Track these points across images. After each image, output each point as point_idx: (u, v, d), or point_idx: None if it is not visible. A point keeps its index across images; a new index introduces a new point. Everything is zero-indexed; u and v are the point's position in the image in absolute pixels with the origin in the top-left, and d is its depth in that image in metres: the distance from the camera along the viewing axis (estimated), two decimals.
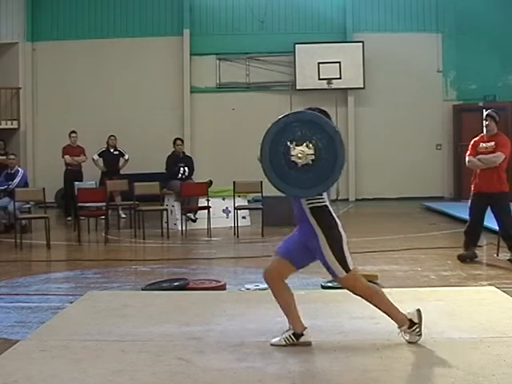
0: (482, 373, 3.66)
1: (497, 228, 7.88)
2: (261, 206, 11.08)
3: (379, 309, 4.32)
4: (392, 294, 5.69)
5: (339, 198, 16.84)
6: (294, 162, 3.96)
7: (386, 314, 4.31)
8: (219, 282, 6.35)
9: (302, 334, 4.23)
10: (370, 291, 4.32)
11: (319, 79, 16.37)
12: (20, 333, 4.81)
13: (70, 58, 16.74)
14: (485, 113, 7.77)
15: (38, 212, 12.14)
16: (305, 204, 4.20)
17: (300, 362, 3.91)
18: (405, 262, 7.77)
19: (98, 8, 16.98)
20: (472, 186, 7.77)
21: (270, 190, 12.09)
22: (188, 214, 11.26)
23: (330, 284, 6.24)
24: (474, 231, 7.76)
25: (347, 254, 4.25)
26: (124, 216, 12.97)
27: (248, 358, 3.99)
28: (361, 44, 16.45)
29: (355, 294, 4.33)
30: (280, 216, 11.26)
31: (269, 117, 16.43)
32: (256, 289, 6.20)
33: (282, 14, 17.04)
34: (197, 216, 11.33)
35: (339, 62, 16.32)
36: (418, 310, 4.27)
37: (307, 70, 16.33)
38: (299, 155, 3.95)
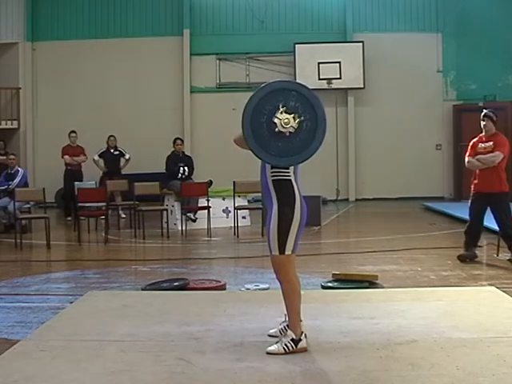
0: (482, 373, 3.66)
1: (497, 228, 7.89)
2: (261, 206, 11.07)
3: (286, 308, 4.20)
4: (392, 294, 5.73)
5: (339, 198, 16.88)
6: (275, 124, 3.92)
7: (288, 316, 4.19)
8: (219, 281, 6.35)
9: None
10: (292, 288, 4.18)
11: (319, 79, 16.37)
12: (20, 333, 4.81)
13: (70, 57, 16.74)
14: (482, 113, 7.78)
15: (38, 212, 12.14)
16: (269, 175, 4.16)
17: (300, 362, 3.91)
18: (405, 262, 7.77)
19: (97, 8, 16.98)
20: (472, 187, 7.78)
21: None
22: (188, 214, 11.26)
23: (330, 284, 6.25)
24: (474, 231, 7.77)
25: (291, 237, 4.13)
26: (124, 216, 12.97)
27: (248, 358, 3.99)
28: (361, 44, 16.46)
29: (278, 280, 4.23)
30: None
31: None
32: (256, 289, 6.20)
33: (282, 14, 17.05)
34: (197, 216, 11.33)
35: (339, 62, 16.33)
36: (306, 349, 4.10)
37: (307, 70, 16.33)
38: (285, 121, 3.92)
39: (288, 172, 4.16)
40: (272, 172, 4.15)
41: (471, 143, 7.81)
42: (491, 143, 7.56)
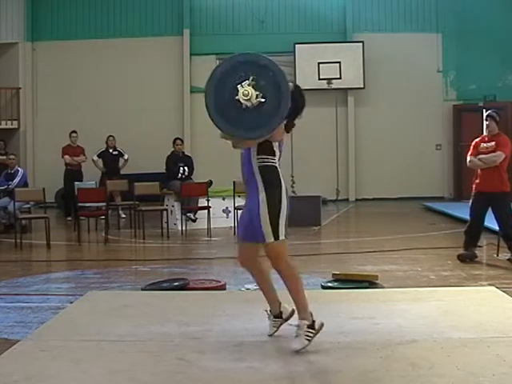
0: (482, 373, 3.66)
1: (497, 228, 7.89)
2: None
3: (291, 294, 4.18)
4: (392, 294, 5.73)
5: (339, 198, 16.88)
6: (238, 101, 3.87)
7: (295, 302, 4.19)
8: (219, 281, 6.35)
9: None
10: (291, 271, 4.15)
11: (319, 79, 16.38)
12: (20, 333, 4.81)
13: (70, 57, 16.74)
14: (485, 113, 7.79)
15: (38, 212, 12.13)
16: (255, 162, 4.16)
17: (300, 362, 3.91)
18: (405, 262, 7.77)
19: (97, 8, 16.99)
20: (473, 186, 7.78)
21: None
22: (188, 214, 11.26)
23: (330, 284, 6.25)
24: (474, 231, 7.77)
25: (282, 222, 4.09)
26: (124, 216, 12.98)
27: (248, 358, 3.99)
28: (361, 44, 16.46)
29: (276, 268, 4.16)
30: None
31: None
32: (256, 289, 6.19)
33: (282, 14, 17.05)
34: (197, 216, 11.33)
35: (339, 62, 16.33)
36: (322, 324, 4.15)
37: (307, 70, 16.32)
38: (245, 92, 3.86)
39: (274, 158, 4.16)
40: (259, 158, 4.15)
41: (474, 143, 7.82)
42: (493, 143, 7.56)
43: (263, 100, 3.88)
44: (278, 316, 4.40)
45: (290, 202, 4.20)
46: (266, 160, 4.16)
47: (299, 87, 4.32)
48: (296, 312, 4.26)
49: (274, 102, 3.91)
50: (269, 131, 4.02)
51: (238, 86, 3.87)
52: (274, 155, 4.17)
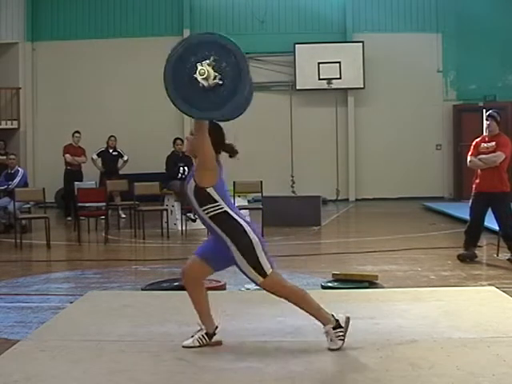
0: (482, 373, 3.66)
1: (497, 228, 7.89)
2: (261, 206, 11.08)
3: (305, 311, 4.19)
4: (392, 294, 5.73)
5: (339, 198, 16.88)
6: (196, 79, 3.79)
7: (313, 315, 4.18)
8: (219, 282, 6.34)
9: (215, 334, 4.19)
10: (294, 295, 4.14)
11: (319, 79, 16.38)
12: (20, 333, 4.81)
13: (70, 58, 16.74)
14: (486, 113, 7.79)
15: (38, 212, 12.13)
16: (203, 214, 4.06)
17: (300, 362, 3.91)
18: (405, 262, 7.77)
19: (97, 8, 16.98)
20: (473, 186, 7.77)
21: (269, 190, 12.12)
22: (188, 214, 11.25)
23: (330, 284, 6.25)
24: (474, 231, 7.76)
25: (262, 258, 4.03)
26: (124, 216, 12.97)
27: (248, 358, 3.99)
28: (361, 44, 16.46)
29: (281, 297, 4.17)
30: (280, 216, 11.29)
31: (269, 117, 16.59)
32: (256, 289, 6.19)
33: (282, 14, 17.05)
34: (197, 216, 11.30)
35: (339, 62, 16.33)
36: (348, 318, 4.18)
37: (307, 70, 16.33)
38: (201, 71, 3.77)
39: (219, 205, 4.05)
40: (204, 210, 4.05)
41: (474, 143, 7.82)
42: (494, 143, 7.55)
43: (220, 82, 3.79)
44: (209, 335, 4.22)
45: (258, 233, 4.13)
46: (212, 209, 4.05)
47: (217, 124, 4.17)
48: None
49: (232, 87, 3.81)
50: (220, 116, 3.94)
51: (198, 64, 3.78)
52: (217, 201, 4.04)
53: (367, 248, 8.95)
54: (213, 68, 3.79)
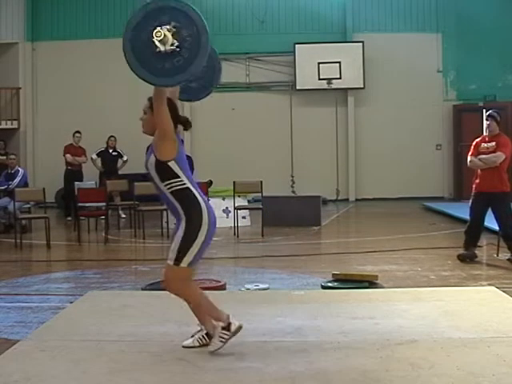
0: (482, 373, 3.66)
1: (497, 228, 7.89)
2: (261, 206, 11.07)
3: (194, 313, 4.18)
4: (392, 294, 5.73)
5: (339, 198, 16.88)
6: (154, 43, 3.71)
7: (200, 318, 4.15)
8: (219, 281, 6.35)
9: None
10: (187, 295, 4.08)
11: (319, 79, 16.38)
12: (20, 333, 4.82)
13: (70, 57, 16.74)
14: (486, 113, 7.79)
15: (38, 212, 12.14)
16: (164, 189, 4.00)
17: (300, 362, 3.91)
18: (405, 262, 7.77)
19: (98, 8, 16.98)
20: (473, 186, 7.77)
21: (269, 190, 12.10)
22: None
23: (330, 284, 6.25)
24: (474, 231, 7.77)
25: (191, 252, 3.96)
26: (124, 216, 12.97)
27: (248, 358, 3.99)
28: (361, 44, 16.46)
29: (166, 289, 4.11)
30: (280, 216, 11.29)
31: (269, 117, 16.58)
32: (256, 289, 6.21)
33: (282, 14, 17.05)
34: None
35: (339, 62, 16.33)
36: (239, 327, 4.10)
37: (307, 69, 16.33)
38: (158, 34, 3.69)
39: (181, 180, 4.00)
40: (166, 185, 3.99)
41: (474, 143, 7.82)
42: (494, 143, 7.56)
43: (177, 49, 3.72)
44: (209, 336, 4.17)
45: (214, 227, 4.09)
46: (174, 185, 3.99)
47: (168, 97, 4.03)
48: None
49: (188, 56, 3.75)
50: (173, 83, 3.89)
51: (158, 27, 3.71)
52: (179, 176, 3.99)
53: (367, 248, 8.96)
54: (172, 34, 3.72)
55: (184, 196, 4.01)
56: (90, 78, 16.71)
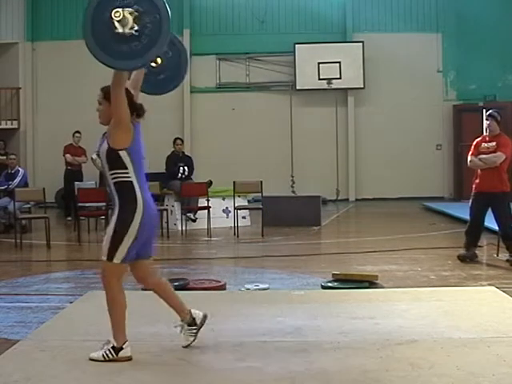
0: (482, 373, 3.66)
1: (497, 228, 7.88)
2: (261, 206, 11.08)
3: (109, 316, 4.10)
4: (392, 294, 5.73)
5: (339, 198, 16.88)
6: (113, 24, 3.61)
7: (111, 326, 4.08)
8: (219, 281, 6.35)
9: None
10: (110, 294, 4.06)
11: (319, 79, 16.39)
12: (20, 333, 4.81)
13: (70, 58, 16.70)
14: (486, 113, 7.77)
15: (38, 212, 12.13)
16: (110, 179, 3.93)
17: (300, 362, 3.91)
18: (405, 262, 7.77)
19: None
20: (473, 186, 7.76)
21: (269, 190, 12.10)
22: (188, 214, 11.26)
23: (330, 284, 6.25)
24: (474, 231, 7.76)
25: (123, 247, 3.94)
26: None
27: (248, 358, 3.99)
28: (361, 44, 16.46)
29: (104, 285, 4.09)
30: (280, 216, 11.29)
31: (269, 117, 16.57)
32: (256, 289, 6.20)
33: (282, 14, 17.05)
34: (197, 216, 11.32)
35: (339, 62, 16.33)
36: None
37: (307, 69, 16.34)
38: (116, 14, 3.60)
39: (127, 173, 3.91)
40: (112, 174, 3.92)
41: (475, 142, 7.81)
42: (494, 143, 7.54)
43: (136, 33, 3.63)
44: (191, 324, 4.17)
45: (152, 220, 4.08)
46: (119, 176, 3.91)
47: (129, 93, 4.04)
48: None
49: (147, 43, 3.66)
50: (127, 67, 3.85)
51: (120, 8, 3.61)
52: (126, 168, 3.90)
53: (367, 248, 8.95)
54: (134, 18, 3.63)
55: (124, 188, 3.92)
56: (90, 78, 16.64)
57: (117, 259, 3.97)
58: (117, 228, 3.92)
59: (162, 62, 4.44)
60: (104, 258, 4.00)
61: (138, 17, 3.64)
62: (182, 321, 4.19)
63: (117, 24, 3.62)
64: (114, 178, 3.92)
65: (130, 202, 3.92)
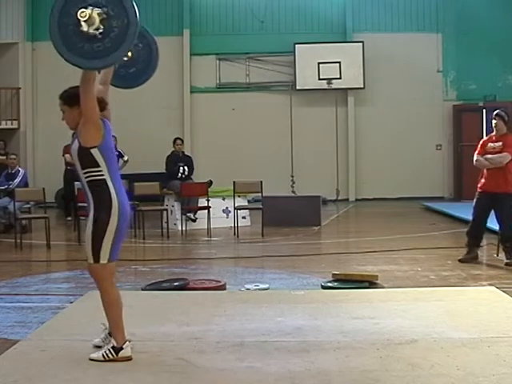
0: (482, 373, 3.66)
1: (497, 228, 7.87)
2: (261, 206, 11.08)
3: (107, 318, 4.07)
4: (392, 294, 5.73)
5: (339, 198, 16.88)
6: (79, 22, 3.56)
7: (110, 327, 4.09)
8: (219, 281, 6.35)
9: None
10: (106, 296, 4.00)
11: (319, 79, 16.39)
12: (20, 333, 4.81)
13: None
14: (494, 112, 7.72)
15: (38, 212, 12.13)
16: (83, 178, 3.89)
17: (300, 362, 3.91)
18: (405, 262, 7.77)
19: None
20: (478, 185, 7.70)
21: (269, 190, 12.10)
22: (188, 214, 11.26)
23: (330, 284, 6.25)
24: (476, 231, 7.72)
25: (106, 245, 3.87)
26: None
27: (248, 358, 3.99)
28: (361, 44, 16.46)
29: (98, 286, 4.03)
30: (280, 216, 11.29)
31: (269, 117, 16.58)
32: (256, 289, 6.20)
33: (282, 14, 17.05)
34: (197, 216, 11.32)
35: (339, 62, 16.33)
36: (129, 358, 3.97)
37: (307, 69, 16.34)
38: (82, 14, 3.54)
39: (100, 171, 3.88)
40: (85, 173, 3.89)
41: (481, 142, 7.76)
42: (501, 143, 7.48)
43: (99, 36, 3.59)
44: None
45: (125, 221, 3.96)
46: (92, 174, 3.88)
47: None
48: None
49: (110, 47, 3.62)
50: (84, 66, 3.84)
51: (90, 6, 3.55)
52: (99, 166, 3.87)
53: (367, 248, 8.95)
54: (101, 20, 3.59)
55: (97, 187, 3.89)
56: None
57: (103, 259, 3.91)
58: (94, 230, 3.87)
59: (132, 55, 4.39)
60: (91, 261, 3.93)
61: (106, 19, 3.60)
62: (107, 343, 4.09)
63: (82, 22, 3.58)
64: (88, 177, 3.90)
65: (104, 201, 3.88)
